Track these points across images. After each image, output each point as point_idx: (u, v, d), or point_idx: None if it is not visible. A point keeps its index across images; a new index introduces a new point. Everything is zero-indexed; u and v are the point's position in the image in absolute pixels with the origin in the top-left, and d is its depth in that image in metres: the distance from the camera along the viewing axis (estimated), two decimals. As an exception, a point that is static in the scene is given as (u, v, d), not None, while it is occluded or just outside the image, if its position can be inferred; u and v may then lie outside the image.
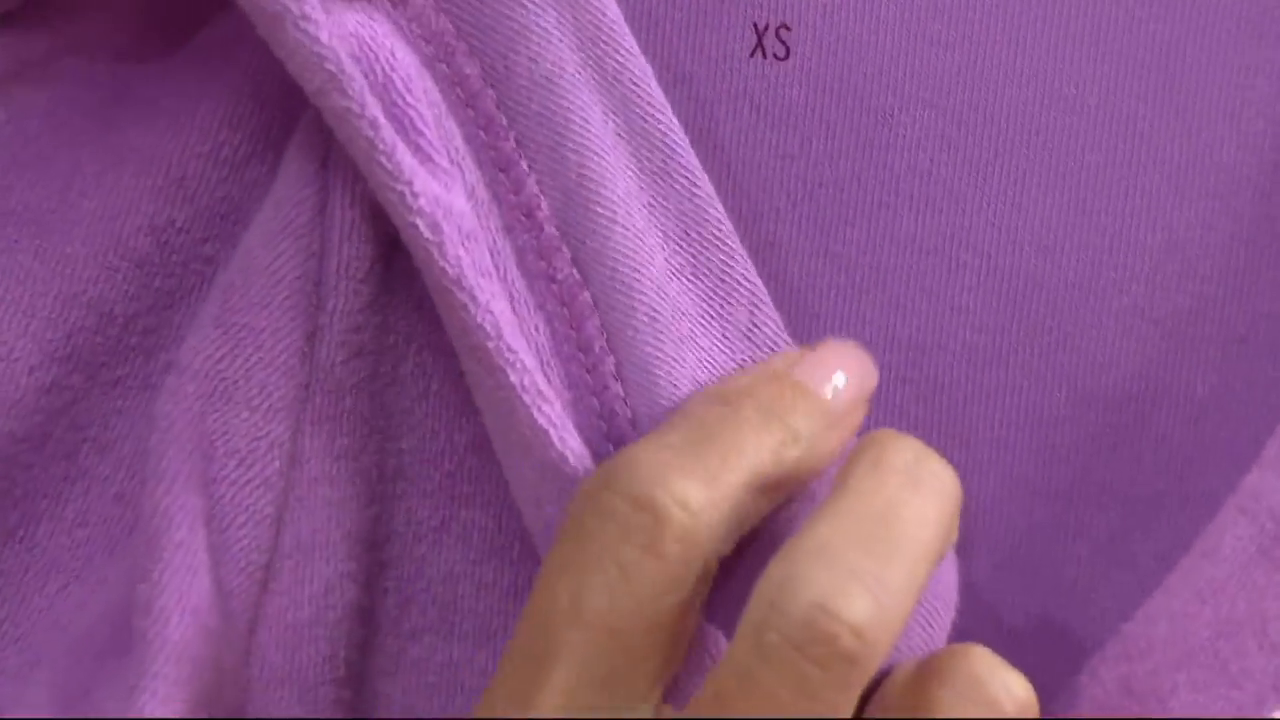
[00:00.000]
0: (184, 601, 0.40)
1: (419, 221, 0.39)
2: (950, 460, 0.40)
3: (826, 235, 0.43)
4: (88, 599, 0.42)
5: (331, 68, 0.38)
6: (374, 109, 0.39)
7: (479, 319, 0.39)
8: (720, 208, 0.41)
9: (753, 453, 0.38)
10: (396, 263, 0.41)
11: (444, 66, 0.41)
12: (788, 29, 0.43)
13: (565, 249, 0.40)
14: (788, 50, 0.43)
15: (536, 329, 0.40)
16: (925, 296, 0.43)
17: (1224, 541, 0.39)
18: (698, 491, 0.37)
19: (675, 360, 0.40)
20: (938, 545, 0.37)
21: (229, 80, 0.42)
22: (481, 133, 0.41)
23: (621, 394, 0.40)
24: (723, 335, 0.41)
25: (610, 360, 0.40)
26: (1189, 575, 0.39)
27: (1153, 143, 0.43)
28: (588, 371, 0.40)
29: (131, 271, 0.42)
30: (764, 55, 0.43)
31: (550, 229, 0.40)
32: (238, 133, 0.42)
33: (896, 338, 0.43)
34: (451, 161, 0.40)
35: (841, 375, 0.40)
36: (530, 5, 0.41)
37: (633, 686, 0.37)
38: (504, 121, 0.40)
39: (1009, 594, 0.43)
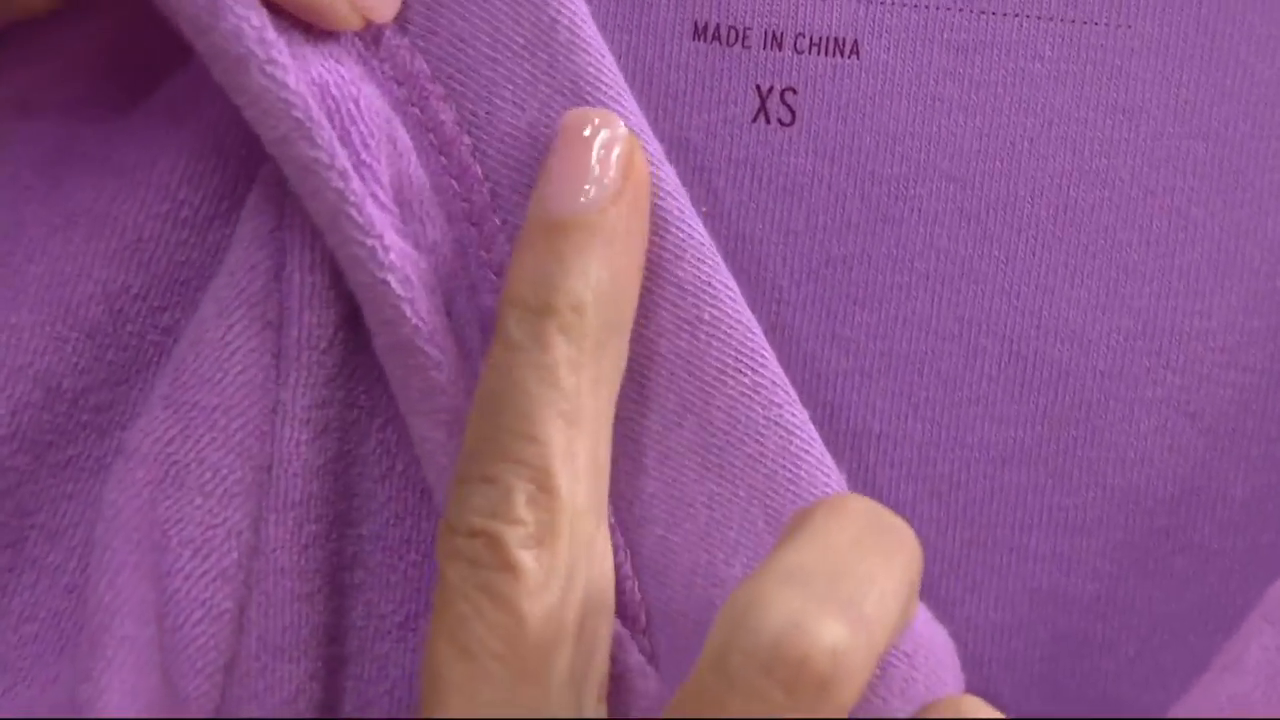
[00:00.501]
0: (130, 704, 0.39)
1: (390, 278, 0.38)
2: (966, 565, 0.41)
3: (833, 317, 0.43)
4: (37, 700, 0.41)
5: (299, 115, 0.38)
6: (343, 159, 0.38)
7: (451, 379, 0.38)
8: (724, 270, 0.40)
9: (549, 394, 0.37)
10: (357, 330, 0.40)
11: (416, 110, 0.40)
12: (793, 92, 0.42)
13: None
14: (793, 115, 0.42)
15: None
16: (941, 385, 0.42)
17: (1249, 652, 0.39)
18: (519, 500, 0.37)
19: None
20: (903, 595, 0.37)
21: (189, 135, 0.41)
22: (454, 182, 0.40)
23: None
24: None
25: None
26: (1209, 690, 0.39)
27: (1190, 218, 0.42)
28: None
29: (82, 342, 0.41)
30: (767, 120, 0.42)
31: None
32: (198, 191, 0.41)
33: (909, 430, 0.43)
34: (412, 217, 0.40)
35: (604, 158, 0.39)
36: (516, 49, 0.40)
37: (546, 700, 0.37)
38: (479, 172, 0.40)
39: (1030, 710, 0.42)
